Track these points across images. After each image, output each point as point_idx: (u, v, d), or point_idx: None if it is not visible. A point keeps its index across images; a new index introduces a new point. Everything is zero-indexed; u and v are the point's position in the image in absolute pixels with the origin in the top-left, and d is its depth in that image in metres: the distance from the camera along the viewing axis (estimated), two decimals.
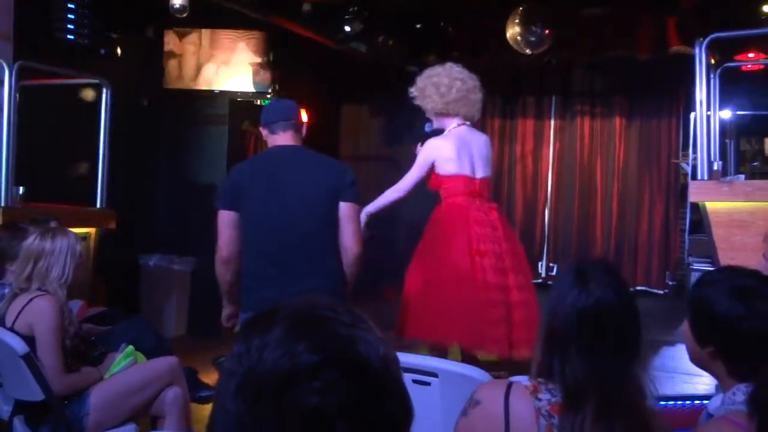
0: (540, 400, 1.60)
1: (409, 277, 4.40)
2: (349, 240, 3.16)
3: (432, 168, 4.36)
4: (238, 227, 3.17)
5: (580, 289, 1.59)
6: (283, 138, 3.28)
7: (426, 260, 4.34)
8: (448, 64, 4.50)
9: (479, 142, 4.53)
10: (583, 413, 1.54)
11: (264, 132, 3.34)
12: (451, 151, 4.32)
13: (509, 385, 1.64)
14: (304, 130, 3.38)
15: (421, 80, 4.47)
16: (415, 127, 4.87)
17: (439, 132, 4.61)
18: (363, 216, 4.12)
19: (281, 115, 3.30)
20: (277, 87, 7.09)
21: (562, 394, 1.58)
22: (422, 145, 4.53)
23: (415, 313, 4.25)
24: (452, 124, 4.44)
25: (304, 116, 7.75)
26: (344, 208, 3.16)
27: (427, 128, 4.64)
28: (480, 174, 4.48)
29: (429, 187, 4.48)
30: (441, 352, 4.20)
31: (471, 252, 4.21)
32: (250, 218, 3.15)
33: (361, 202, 3.30)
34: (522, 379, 1.66)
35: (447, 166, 4.34)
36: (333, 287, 3.11)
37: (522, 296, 4.29)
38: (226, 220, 3.20)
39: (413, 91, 4.51)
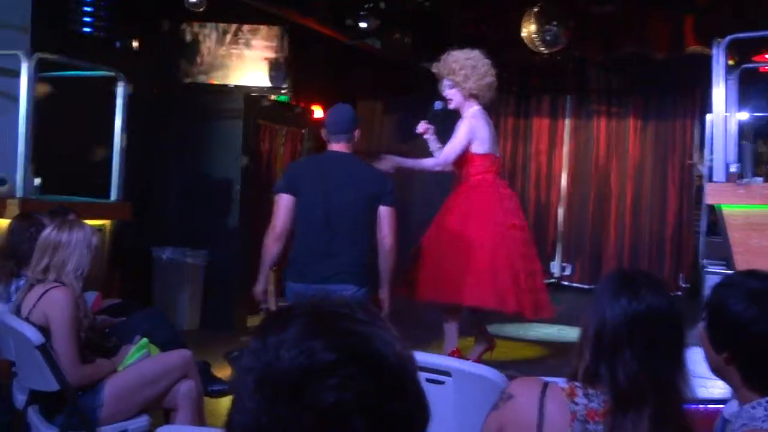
0: (576, 404, 1.61)
1: (436, 242, 4.70)
2: (385, 234, 3.76)
3: (468, 146, 4.70)
4: (292, 210, 3.77)
5: (631, 297, 1.63)
6: (336, 146, 3.87)
7: (456, 230, 4.64)
8: (477, 51, 4.80)
9: (492, 125, 4.95)
10: (639, 413, 1.56)
11: (324, 134, 3.93)
12: (485, 131, 4.73)
13: (545, 385, 1.65)
14: (356, 136, 3.91)
15: (457, 60, 4.75)
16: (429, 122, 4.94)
17: (451, 113, 4.85)
18: (390, 163, 4.54)
19: (338, 127, 3.86)
20: (292, 82, 7.10)
21: (611, 397, 1.59)
22: (428, 122, 4.83)
23: (449, 279, 4.55)
24: (474, 107, 4.76)
25: (318, 112, 7.76)
26: (383, 210, 3.77)
27: (437, 106, 4.87)
28: (498, 153, 4.95)
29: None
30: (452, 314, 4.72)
31: (506, 225, 4.62)
32: (302, 206, 3.78)
33: (397, 206, 3.86)
34: (558, 381, 1.67)
35: (482, 145, 4.71)
36: (359, 270, 3.71)
37: (535, 266, 4.80)
38: (283, 202, 3.80)
39: (447, 65, 4.75)
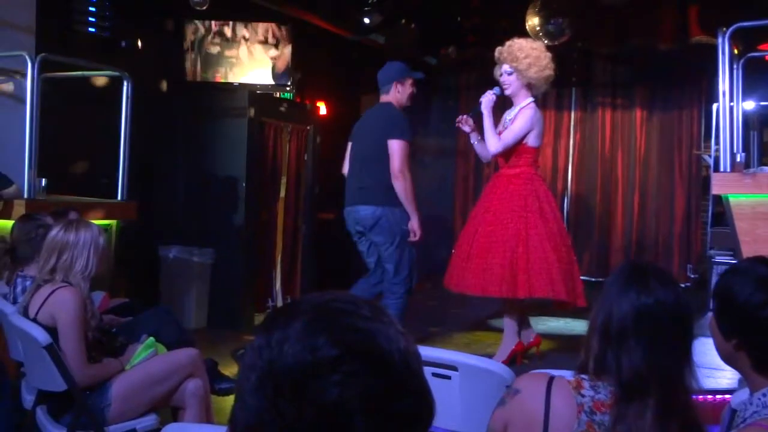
0: (583, 396, 1.62)
1: (472, 233, 4.84)
2: (391, 163, 4.73)
3: (524, 136, 4.78)
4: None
5: (640, 289, 1.64)
6: (383, 97, 4.99)
7: (492, 221, 4.76)
8: (541, 43, 4.95)
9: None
10: (643, 403, 1.56)
11: None
12: (541, 124, 4.86)
13: (551, 379, 1.66)
14: (395, 87, 4.92)
15: (522, 48, 4.80)
16: (431, 118, 5.04)
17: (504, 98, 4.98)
18: (487, 101, 4.85)
19: (382, 82, 4.98)
20: (296, 79, 7.09)
21: (617, 387, 1.60)
22: (482, 106, 4.83)
23: (480, 272, 4.70)
24: (530, 99, 4.84)
25: (323, 109, 7.76)
26: (390, 143, 4.75)
27: (497, 91, 4.89)
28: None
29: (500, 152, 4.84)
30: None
31: (540, 216, 4.74)
32: (351, 150, 5.07)
33: (406, 138, 4.79)
34: (565, 374, 1.68)
35: (535, 138, 4.81)
36: (380, 193, 4.78)
37: (570, 256, 4.96)
38: (348, 149, 5.10)
39: (511, 52, 4.79)
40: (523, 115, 4.76)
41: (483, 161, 5.23)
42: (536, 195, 4.76)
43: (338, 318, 0.86)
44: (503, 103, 5.13)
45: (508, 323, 4.87)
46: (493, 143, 4.77)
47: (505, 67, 4.81)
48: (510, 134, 4.75)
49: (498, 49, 4.88)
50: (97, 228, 3.17)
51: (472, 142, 4.99)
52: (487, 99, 4.82)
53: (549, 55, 4.82)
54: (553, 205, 4.88)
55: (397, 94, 4.91)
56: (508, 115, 4.93)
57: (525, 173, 4.80)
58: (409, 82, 4.99)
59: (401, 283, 4.81)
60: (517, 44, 4.81)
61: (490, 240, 4.71)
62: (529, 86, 4.82)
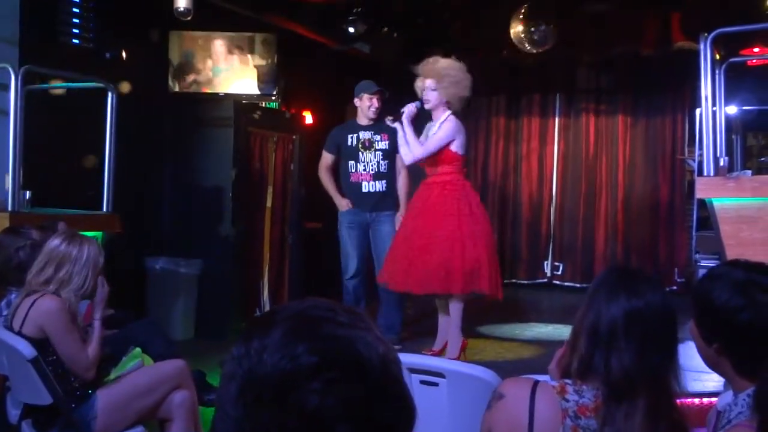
0: (567, 401, 1.63)
1: (404, 234, 5.17)
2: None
3: (447, 144, 5.12)
4: None
5: (630, 293, 1.66)
6: None
7: (423, 223, 5.07)
8: (462, 64, 5.19)
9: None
10: (633, 404, 1.58)
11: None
12: (464, 134, 5.21)
13: (536, 383, 1.67)
14: (357, 105, 5.78)
15: (445, 68, 5.13)
16: (416, 124, 5.21)
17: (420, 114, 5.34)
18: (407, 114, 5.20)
19: None
20: (282, 89, 7.09)
21: (606, 388, 1.61)
22: (393, 119, 5.24)
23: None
24: (448, 112, 5.18)
25: (308, 118, 7.76)
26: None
27: (418, 104, 5.22)
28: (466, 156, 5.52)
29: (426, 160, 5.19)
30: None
31: (469, 219, 5.04)
32: None
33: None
34: (549, 379, 1.68)
35: (459, 147, 5.16)
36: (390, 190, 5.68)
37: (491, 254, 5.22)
38: None
39: (435, 70, 5.11)
40: (445, 127, 5.12)
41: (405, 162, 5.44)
42: (467, 199, 5.11)
43: (317, 326, 0.86)
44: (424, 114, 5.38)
45: (455, 320, 5.11)
46: (416, 150, 5.13)
47: (430, 83, 5.11)
48: (434, 141, 5.11)
49: (423, 64, 5.17)
50: (98, 245, 3.11)
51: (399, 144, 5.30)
52: (409, 110, 5.17)
53: (469, 77, 5.17)
54: (481, 208, 5.25)
55: (357, 109, 5.74)
56: (431, 128, 5.24)
57: (457, 179, 5.15)
58: (365, 97, 5.67)
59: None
60: (442, 63, 5.16)
61: (429, 241, 4.98)
62: (448, 102, 5.16)
